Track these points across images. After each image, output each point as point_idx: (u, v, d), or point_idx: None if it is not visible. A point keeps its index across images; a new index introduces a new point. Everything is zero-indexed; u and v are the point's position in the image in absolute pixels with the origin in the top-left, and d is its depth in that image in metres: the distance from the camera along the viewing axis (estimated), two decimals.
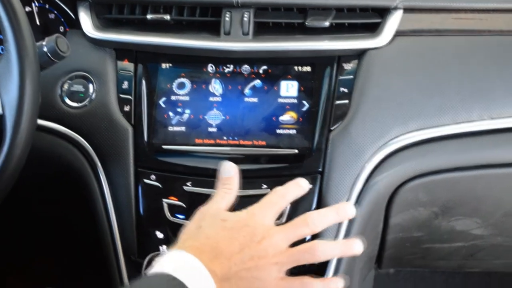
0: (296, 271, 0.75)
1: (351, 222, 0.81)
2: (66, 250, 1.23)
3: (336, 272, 0.81)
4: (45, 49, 0.75)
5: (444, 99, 0.82)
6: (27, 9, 0.90)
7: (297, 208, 0.80)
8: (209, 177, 0.82)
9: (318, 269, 0.81)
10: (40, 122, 0.84)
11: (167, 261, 0.60)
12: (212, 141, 0.83)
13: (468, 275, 1.45)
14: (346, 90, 0.82)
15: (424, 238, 0.96)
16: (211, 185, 0.81)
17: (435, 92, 0.82)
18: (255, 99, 0.83)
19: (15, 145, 0.70)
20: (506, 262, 1.07)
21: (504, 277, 1.44)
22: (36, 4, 0.90)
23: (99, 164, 0.85)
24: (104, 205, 0.85)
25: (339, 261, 0.82)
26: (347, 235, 0.80)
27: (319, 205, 0.80)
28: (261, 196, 0.79)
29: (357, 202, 0.81)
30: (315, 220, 0.70)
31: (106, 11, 0.89)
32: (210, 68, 0.85)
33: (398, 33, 0.83)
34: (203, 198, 0.79)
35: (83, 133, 0.86)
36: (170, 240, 0.82)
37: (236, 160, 0.82)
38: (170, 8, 0.87)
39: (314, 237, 0.77)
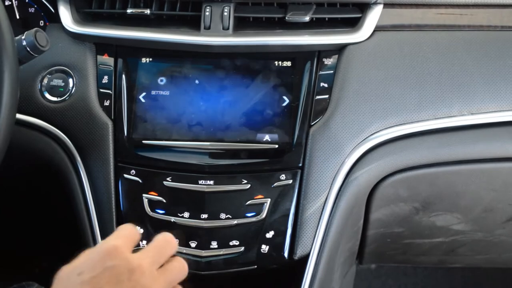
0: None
1: (331, 217, 0.81)
2: (48, 245, 1.22)
3: (316, 268, 0.82)
4: (24, 43, 0.75)
5: (424, 94, 0.83)
6: (7, 2, 0.89)
7: (278, 204, 0.81)
8: (189, 172, 0.83)
9: (297, 265, 0.83)
10: (20, 116, 0.85)
11: None
12: (192, 136, 0.84)
13: (451, 270, 1.46)
14: (326, 85, 0.82)
15: (405, 234, 0.97)
16: (191, 180, 0.82)
17: (415, 87, 0.83)
18: (235, 94, 0.84)
19: None
20: (487, 258, 1.07)
21: (486, 273, 1.46)
22: None
23: (78, 159, 0.85)
24: (84, 200, 0.85)
25: (319, 257, 0.82)
26: (327, 229, 0.81)
27: (299, 200, 0.81)
28: (241, 191, 0.82)
29: (337, 197, 0.81)
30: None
31: (86, 5, 0.89)
32: (190, 63, 0.85)
33: (378, 28, 0.84)
34: (183, 193, 0.82)
35: (63, 127, 0.86)
36: (150, 235, 0.81)
37: (216, 155, 0.84)
38: (151, 2, 0.86)
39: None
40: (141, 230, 0.84)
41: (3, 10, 0.69)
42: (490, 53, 0.85)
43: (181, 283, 0.68)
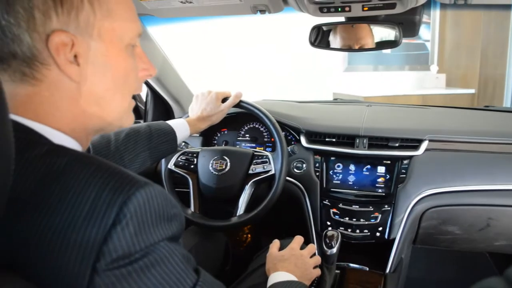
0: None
1: (405, 223, 1.10)
2: (289, 226, 1.45)
3: (398, 244, 1.11)
4: (289, 150, 1.24)
5: (453, 177, 1.10)
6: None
7: (383, 217, 1.12)
8: (348, 201, 1.17)
9: (390, 242, 1.11)
10: (287, 178, 1.20)
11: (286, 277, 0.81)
12: (350, 188, 1.20)
13: (462, 252, 1.58)
14: (404, 171, 1.15)
15: (434, 233, 1.17)
16: (349, 205, 1.16)
17: (448, 174, 1.10)
18: (367, 173, 1.20)
19: (279, 184, 1.09)
20: (471, 246, 1.22)
21: (477, 256, 1.65)
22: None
23: (306, 194, 1.21)
24: (307, 211, 1.20)
25: (400, 239, 1.10)
26: (404, 228, 1.10)
27: (393, 216, 1.11)
28: (367, 212, 1.13)
29: (408, 215, 1.10)
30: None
31: (309, 137, 1.25)
32: (350, 159, 1.21)
33: (428, 149, 1.15)
34: (345, 210, 1.15)
35: (301, 182, 1.23)
36: (332, 226, 1.17)
37: (358, 196, 1.18)
38: (333, 135, 1.23)
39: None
40: (329, 223, 1.17)
41: (284, 140, 1.12)
42: (498, 164, 1.10)
43: (342, 248, 1.01)
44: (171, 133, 1.01)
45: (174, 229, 0.48)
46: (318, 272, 0.91)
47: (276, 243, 0.94)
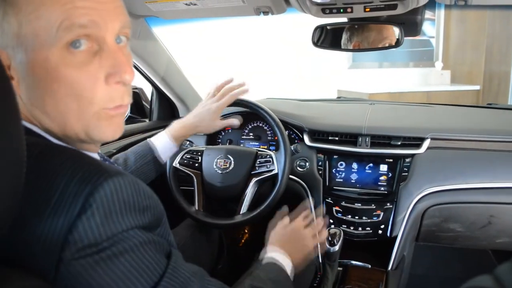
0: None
1: (407, 221, 1.09)
2: None
3: (400, 241, 1.10)
4: (292, 149, 1.25)
5: (456, 175, 1.09)
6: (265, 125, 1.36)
7: (385, 215, 1.12)
8: (350, 199, 1.16)
9: (392, 239, 1.10)
10: (291, 176, 1.20)
11: (272, 256, 0.82)
12: (352, 186, 1.20)
13: (465, 249, 1.56)
14: (406, 169, 1.14)
15: (436, 230, 1.16)
16: (351, 203, 1.16)
17: (448, 172, 1.10)
18: (370, 171, 1.20)
19: (282, 184, 1.07)
20: (473, 243, 1.20)
21: (479, 253, 1.61)
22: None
23: (309, 192, 1.21)
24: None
25: (402, 236, 1.09)
26: (406, 225, 1.09)
27: (395, 213, 1.12)
28: (369, 209, 1.13)
29: (410, 213, 1.10)
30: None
31: (313, 134, 1.25)
32: (353, 158, 1.20)
33: (430, 147, 1.15)
34: (348, 208, 1.16)
35: (303, 180, 1.22)
36: (335, 223, 1.17)
37: (361, 194, 1.18)
38: (336, 134, 1.22)
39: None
40: (332, 221, 1.17)
41: (287, 139, 1.12)
42: (496, 161, 1.10)
43: (345, 246, 1.03)
44: (148, 155, 1.03)
45: (146, 220, 0.47)
46: (316, 241, 0.91)
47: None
